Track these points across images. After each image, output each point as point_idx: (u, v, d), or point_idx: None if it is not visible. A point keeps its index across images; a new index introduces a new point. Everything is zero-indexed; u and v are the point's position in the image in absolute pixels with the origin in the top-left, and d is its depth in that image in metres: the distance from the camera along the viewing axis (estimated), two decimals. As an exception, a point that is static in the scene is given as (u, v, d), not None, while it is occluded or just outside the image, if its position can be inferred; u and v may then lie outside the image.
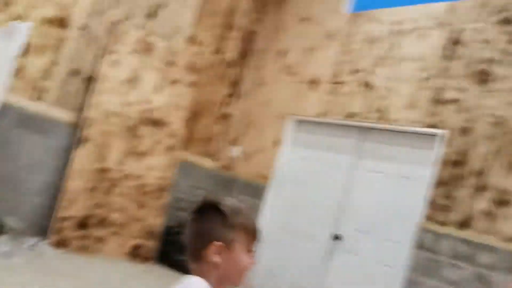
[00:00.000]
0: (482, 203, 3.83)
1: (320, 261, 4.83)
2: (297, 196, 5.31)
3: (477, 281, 3.64)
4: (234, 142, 6.14)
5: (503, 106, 3.90)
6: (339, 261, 4.71)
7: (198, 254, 1.16)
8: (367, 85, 4.95)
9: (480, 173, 3.90)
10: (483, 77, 4.11)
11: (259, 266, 5.31)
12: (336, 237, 4.77)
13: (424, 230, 4.07)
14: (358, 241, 4.62)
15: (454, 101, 4.23)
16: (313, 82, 5.51)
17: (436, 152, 4.23)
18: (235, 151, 6.08)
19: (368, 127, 4.90)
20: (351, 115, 5.01)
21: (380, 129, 4.79)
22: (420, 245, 4.05)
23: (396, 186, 4.51)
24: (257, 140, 5.87)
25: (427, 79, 4.48)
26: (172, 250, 5.46)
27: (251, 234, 1.18)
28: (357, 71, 5.10)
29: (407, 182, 4.43)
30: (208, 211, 1.17)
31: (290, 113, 5.62)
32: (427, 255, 3.99)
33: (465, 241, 3.82)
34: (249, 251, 1.18)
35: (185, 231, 1.21)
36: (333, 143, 5.20)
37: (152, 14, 5.52)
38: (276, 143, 5.65)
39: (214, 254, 1.14)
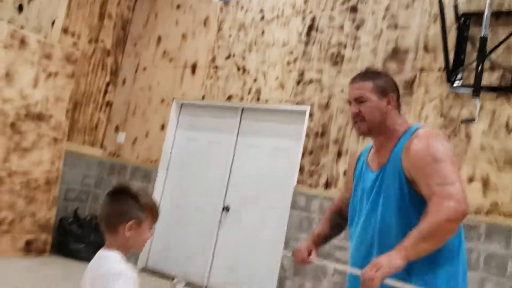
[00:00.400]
0: (342, 166, 4.59)
1: (210, 233, 5.33)
2: (187, 176, 5.70)
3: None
4: (119, 129, 6.30)
5: (353, 84, 4.65)
6: (227, 230, 5.25)
7: (114, 229, 1.49)
8: (242, 69, 5.45)
9: (338, 142, 4.64)
10: (336, 59, 4.82)
11: (155, 244, 5.67)
12: (224, 209, 5.29)
13: (298, 193, 4.74)
14: (245, 210, 5.18)
15: (315, 81, 4.90)
16: (193, 67, 5.86)
17: (304, 126, 4.89)
18: (121, 137, 6.25)
19: (245, 108, 5.42)
20: (229, 97, 5.48)
21: (256, 109, 5.35)
22: (295, 206, 4.72)
23: (273, 158, 5.12)
24: (143, 125, 6.11)
25: (292, 62, 5.09)
26: (67, 241, 5.58)
27: (155, 214, 1.56)
28: (231, 56, 5.56)
29: (282, 154, 5.06)
30: (123, 194, 1.52)
31: (173, 97, 5.93)
32: (301, 214, 4.68)
33: (330, 198, 4.55)
34: (151, 227, 1.57)
35: (101, 210, 1.55)
36: (215, 124, 5.65)
37: (21, 7, 5.39)
38: (162, 127, 5.95)
39: (127, 230, 1.49)
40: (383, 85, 1.84)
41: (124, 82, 6.46)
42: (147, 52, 6.34)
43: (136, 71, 6.38)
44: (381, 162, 1.83)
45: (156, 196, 5.76)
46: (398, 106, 1.88)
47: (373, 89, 1.82)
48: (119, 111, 6.38)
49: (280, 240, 4.75)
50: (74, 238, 5.57)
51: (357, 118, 1.84)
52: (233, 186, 5.33)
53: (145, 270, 5.61)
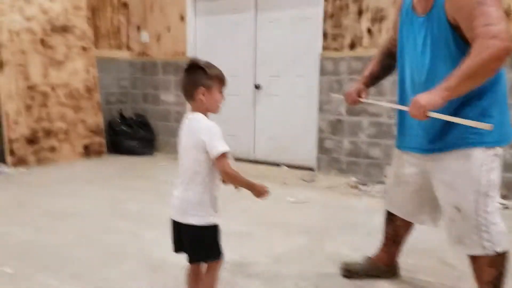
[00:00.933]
0: (364, 24, 4.68)
1: (247, 111, 5.67)
2: (214, 61, 5.89)
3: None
4: (140, 28, 6.43)
5: None
6: (262, 106, 5.57)
7: (191, 95, 1.80)
8: None
9: (358, 0, 4.68)
10: None
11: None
12: (256, 87, 5.56)
13: (324, 59, 4.92)
14: (276, 84, 5.44)
15: None
16: (199, -49, 5.75)
17: (321, -10, 4.90)
18: (144, 36, 6.40)
19: (259, -17, 5.41)
20: (241, -25, 5.44)
21: (270, -18, 5.33)
22: (324, 72, 4.93)
23: (295, 28, 5.22)
24: (163, 20, 6.20)
25: None
26: (120, 140, 6.06)
27: (222, 80, 1.85)
28: None
29: (303, 22, 5.15)
30: (194, 67, 1.81)
31: (186, -13, 5.93)
32: (330, 78, 4.90)
33: (357, 58, 4.73)
34: (221, 92, 1.86)
35: (180, 83, 1.84)
36: (232, 4, 5.70)
37: None
38: (182, 18, 6.03)
39: (201, 95, 1.79)
40: None
41: (134, -21, 6.43)
42: None
43: (144, -34, 6.31)
44: (426, 7, 1.86)
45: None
46: None
47: None
48: (136, 10, 6.45)
49: (313, 105, 5.05)
50: (125, 137, 6.05)
51: None
52: (260, 63, 5.53)
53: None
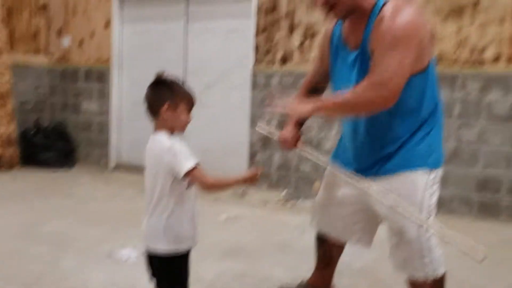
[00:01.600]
0: (296, 39, 4.69)
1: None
2: (142, 71, 5.65)
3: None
4: (62, 32, 6.03)
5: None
6: (194, 118, 5.39)
7: (156, 111, 1.69)
8: (180, -49, 5.18)
9: (290, 15, 4.68)
10: None
11: (124, 142, 5.79)
12: (186, 98, 5.38)
13: (256, 73, 4.86)
14: (207, 96, 5.30)
15: (259, -46, 4.76)
16: (127, -45, 5.51)
17: (254, 3, 4.85)
18: (66, 41, 6.01)
19: (190, -8, 5.27)
20: (172, -17, 5.27)
21: (202, -8, 5.21)
22: (255, 85, 4.87)
23: (227, 41, 5.13)
24: (86, 25, 5.85)
25: None
26: (35, 152, 5.61)
27: (189, 98, 1.74)
28: None
29: (235, 35, 5.07)
30: (161, 82, 1.70)
31: (112, -9, 5.65)
32: (262, 92, 4.85)
33: (288, 73, 4.72)
34: (188, 112, 1.74)
35: (144, 99, 1.73)
36: (161, 13, 5.50)
37: None
38: (106, 24, 5.73)
39: (165, 112, 1.67)
40: None
41: (55, -20, 6.03)
42: None
43: (66, -33, 5.94)
44: (357, 41, 1.83)
45: (114, 94, 5.75)
46: None
47: None
48: (57, 13, 6.04)
49: (245, 118, 4.97)
50: (41, 148, 5.59)
51: (328, 4, 1.80)
52: (191, 74, 5.37)
53: (119, 166, 5.79)
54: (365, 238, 2.16)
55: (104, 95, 5.78)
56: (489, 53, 3.97)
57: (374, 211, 1.99)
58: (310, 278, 2.39)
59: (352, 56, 1.87)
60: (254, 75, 4.87)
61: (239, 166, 5.06)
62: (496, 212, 4.02)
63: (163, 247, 1.66)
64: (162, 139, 1.67)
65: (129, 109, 5.71)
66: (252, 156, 4.94)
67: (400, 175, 1.85)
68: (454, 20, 4.04)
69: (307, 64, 4.59)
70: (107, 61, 5.74)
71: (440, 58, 4.05)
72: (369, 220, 2.08)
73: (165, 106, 1.67)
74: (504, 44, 3.91)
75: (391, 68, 1.66)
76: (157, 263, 1.70)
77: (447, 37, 4.06)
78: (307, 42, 4.65)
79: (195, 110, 1.78)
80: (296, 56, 4.70)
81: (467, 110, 4.06)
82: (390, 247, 1.96)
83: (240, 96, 5.06)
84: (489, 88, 3.98)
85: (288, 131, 2.15)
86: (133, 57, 5.71)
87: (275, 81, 4.79)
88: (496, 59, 3.94)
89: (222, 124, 5.24)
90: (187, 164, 1.60)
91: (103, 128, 5.82)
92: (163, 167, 1.64)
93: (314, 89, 2.21)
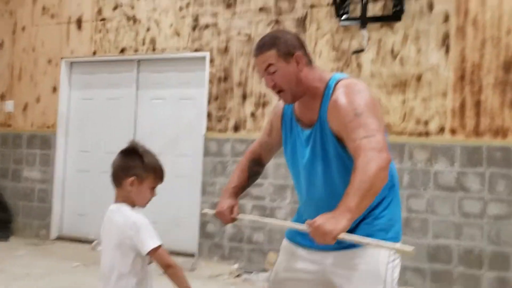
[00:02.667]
0: (248, 108, 4.71)
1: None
2: (89, 138, 5.48)
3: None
4: (5, 96, 5.80)
5: (248, 25, 4.70)
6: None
7: (119, 182, 1.61)
8: (132, 19, 5.21)
9: (242, 84, 4.73)
10: (229, 1, 4.79)
11: (66, 212, 5.49)
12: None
13: (208, 140, 4.81)
14: (156, 163, 5.16)
15: (211, 25, 4.86)
16: (78, 22, 5.48)
17: (206, 72, 4.88)
18: (9, 105, 5.78)
19: (141, 59, 5.25)
20: (123, 50, 5.25)
21: (153, 59, 5.21)
22: (207, 153, 4.80)
23: (178, 108, 5.09)
24: (32, 90, 5.68)
25: (185, 7, 4.97)
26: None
27: (158, 175, 1.67)
28: (118, 6, 5.28)
29: (187, 103, 5.05)
30: (131, 152, 1.64)
31: (61, 57, 5.55)
32: (214, 160, 4.78)
33: (241, 141, 4.70)
34: (153, 188, 1.66)
35: (112, 165, 1.65)
36: (111, 80, 5.43)
37: None
38: (53, 89, 5.58)
39: (129, 185, 1.60)
40: (286, 47, 1.79)
41: (1, 45, 5.88)
42: (23, 10, 5.77)
43: (14, 32, 5.82)
44: (311, 120, 1.82)
45: (58, 162, 5.50)
46: (309, 61, 1.84)
47: (277, 56, 1.77)
48: (1, 77, 5.84)
49: (197, 187, 4.84)
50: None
51: (275, 89, 1.80)
52: (141, 140, 5.23)
53: (60, 238, 5.43)
54: None
55: (47, 162, 5.52)
56: (433, 125, 4.11)
57: (335, 286, 1.89)
58: None
59: (305, 134, 1.85)
60: (206, 142, 4.81)
61: (190, 238, 4.87)
62: (449, 282, 4.01)
63: None
64: (126, 212, 1.60)
65: (73, 177, 5.45)
66: (203, 226, 4.78)
67: (362, 250, 1.79)
68: (399, 94, 4.20)
69: (259, 132, 4.59)
70: (53, 126, 5.53)
71: (388, 129, 4.15)
72: None
73: (131, 179, 1.61)
74: (448, 116, 4.07)
75: (369, 130, 1.65)
76: None
77: (393, 109, 4.20)
78: (259, 111, 4.67)
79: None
80: (248, 124, 4.71)
81: (415, 180, 4.14)
82: None
83: (191, 163, 4.96)
84: (435, 158, 4.09)
85: (223, 203, 2.02)
86: (80, 123, 5.55)
87: (227, 148, 4.74)
88: (441, 130, 4.09)
89: (172, 194, 5.07)
90: (153, 242, 1.56)
91: (45, 197, 5.50)
92: (126, 241, 1.57)
93: (256, 161, 2.15)
